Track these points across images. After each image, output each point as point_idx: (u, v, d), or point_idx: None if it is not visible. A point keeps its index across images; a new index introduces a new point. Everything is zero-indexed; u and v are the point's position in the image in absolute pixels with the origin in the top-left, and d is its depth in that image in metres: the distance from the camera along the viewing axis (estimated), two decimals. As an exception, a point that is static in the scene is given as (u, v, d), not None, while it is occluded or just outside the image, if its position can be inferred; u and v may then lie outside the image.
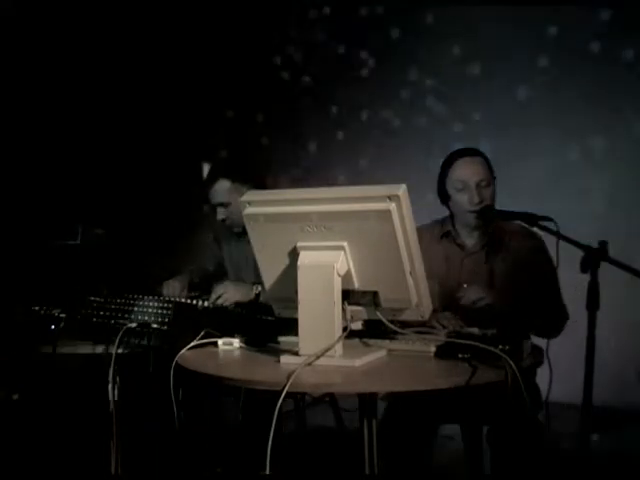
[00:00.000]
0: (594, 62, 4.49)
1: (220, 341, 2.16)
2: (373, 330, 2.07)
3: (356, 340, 2.05)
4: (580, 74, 4.51)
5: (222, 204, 2.89)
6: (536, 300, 2.42)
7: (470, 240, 2.59)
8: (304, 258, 1.86)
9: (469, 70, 4.87)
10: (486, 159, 2.56)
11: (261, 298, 2.67)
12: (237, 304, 2.61)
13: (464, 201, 2.49)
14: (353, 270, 1.86)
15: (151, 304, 2.43)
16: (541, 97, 4.64)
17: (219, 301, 2.60)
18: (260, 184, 2.94)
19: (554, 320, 2.46)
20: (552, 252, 2.19)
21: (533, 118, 4.62)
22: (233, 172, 2.92)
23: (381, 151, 5.18)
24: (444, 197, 2.57)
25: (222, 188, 2.89)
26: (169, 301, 2.47)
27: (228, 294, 2.64)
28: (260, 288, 2.66)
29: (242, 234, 2.94)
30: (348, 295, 1.88)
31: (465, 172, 2.50)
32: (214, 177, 2.91)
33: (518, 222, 2.49)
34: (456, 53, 4.91)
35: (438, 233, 2.62)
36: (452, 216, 2.61)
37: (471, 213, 2.49)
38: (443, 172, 2.56)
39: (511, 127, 4.68)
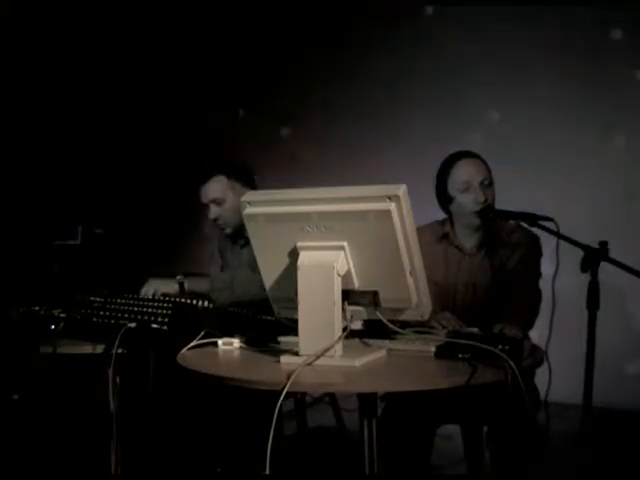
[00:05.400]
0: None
1: (220, 341, 2.16)
2: (373, 330, 2.07)
3: (356, 340, 2.05)
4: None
5: (215, 201, 2.86)
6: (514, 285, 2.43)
7: (468, 242, 2.59)
8: (304, 258, 1.86)
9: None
10: (483, 160, 2.56)
11: (187, 288, 2.69)
12: (167, 295, 2.63)
13: (469, 201, 2.49)
14: (353, 270, 1.86)
15: (151, 304, 2.43)
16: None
17: (149, 293, 2.65)
18: (253, 183, 2.93)
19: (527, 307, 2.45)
20: (551, 252, 2.19)
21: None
22: (230, 169, 2.91)
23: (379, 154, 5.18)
24: (445, 200, 2.57)
25: (217, 184, 2.86)
26: (169, 301, 2.46)
27: (156, 288, 2.67)
28: (183, 278, 2.68)
29: (236, 238, 2.94)
30: (348, 295, 1.88)
31: (468, 172, 2.51)
32: (210, 173, 2.89)
33: (514, 222, 2.50)
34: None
35: (437, 234, 2.62)
36: (451, 218, 2.62)
37: (474, 213, 2.49)
38: (443, 175, 2.55)
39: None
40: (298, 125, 5.59)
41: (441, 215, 2.66)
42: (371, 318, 1.94)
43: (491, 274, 2.53)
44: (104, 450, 2.44)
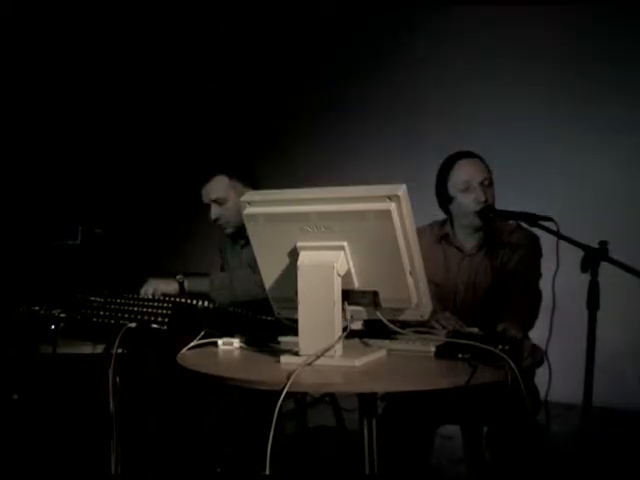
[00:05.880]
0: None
1: (220, 341, 2.16)
2: (373, 330, 2.07)
3: (356, 340, 2.05)
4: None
5: (217, 200, 2.86)
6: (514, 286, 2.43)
7: (468, 242, 2.59)
8: (304, 258, 1.86)
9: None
10: (483, 160, 2.56)
11: (186, 287, 2.71)
12: (167, 295, 2.64)
13: (469, 201, 2.49)
14: (353, 270, 1.86)
15: (151, 304, 2.43)
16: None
17: (149, 292, 2.67)
18: (255, 183, 2.94)
19: (527, 306, 2.44)
20: (551, 252, 2.19)
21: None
22: (231, 168, 2.91)
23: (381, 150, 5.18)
24: (445, 200, 2.56)
25: (219, 184, 2.86)
26: (169, 301, 2.46)
27: (155, 288, 2.68)
28: (183, 278, 2.69)
29: (236, 238, 2.94)
30: (348, 295, 1.88)
31: (468, 172, 2.51)
32: (212, 173, 2.89)
33: (514, 222, 2.50)
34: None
35: (437, 235, 2.62)
36: (451, 219, 2.61)
37: (474, 213, 2.49)
38: (443, 175, 2.55)
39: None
40: (298, 124, 5.59)
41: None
42: (371, 318, 1.94)
43: (491, 274, 2.53)
44: (104, 450, 2.44)
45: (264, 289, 2.02)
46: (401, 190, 1.77)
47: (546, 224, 2.21)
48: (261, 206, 1.94)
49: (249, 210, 1.94)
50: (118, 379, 2.42)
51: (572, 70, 4.55)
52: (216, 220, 2.89)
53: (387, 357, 1.95)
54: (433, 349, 1.92)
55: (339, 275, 1.83)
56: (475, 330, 2.14)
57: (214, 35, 5.79)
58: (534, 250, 2.52)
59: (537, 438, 2.19)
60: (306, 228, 1.86)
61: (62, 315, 2.58)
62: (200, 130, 5.83)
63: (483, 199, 2.47)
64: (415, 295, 1.86)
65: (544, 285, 2.43)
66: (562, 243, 2.11)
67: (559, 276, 2.12)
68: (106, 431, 2.42)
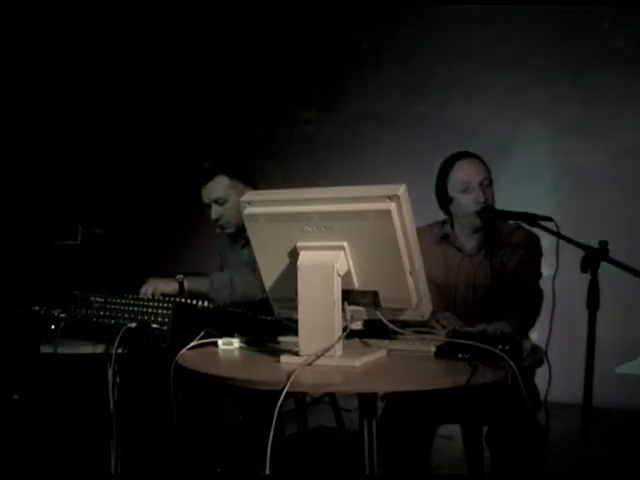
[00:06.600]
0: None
1: (220, 341, 2.16)
2: (373, 330, 2.07)
3: (356, 340, 2.05)
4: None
5: (217, 201, 2.87)
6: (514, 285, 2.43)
7: (468, 243, 2.59)
8: (304, 258, 1.86)
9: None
10: (482, 161, 2.56)
11: (186, 287, 2.71)
12: (167, 294, 2.64)
13: (469, 201, 2.49)
14: (353, 270, 1.86)
15: (151, 304, 2.43)
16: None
17: (149, 292, 2.66)
18: (255, 182, 2.94)
19: (528, 305, 2.44)
20: (551, 252, 2.19)
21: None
22: (231, 169, 2.91)
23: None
24: (445, 200, 2.56)
25: (220, 184, 2.87)
26: (169, 301, 2.46)
27: (155, 287, 2.68)
28: (183, 278, 2.69)
29: (236, 238, 2.94)
30: (348, 295, 1.88)
31: (467, 172, 2.51)
32: (212, 173, 2.90)
33: (514, 222, 2.50)
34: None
35: (437, 235, 2.62)
36: (451, 219, 2.61)
37: (474, 213, 2.48)
38: (443, 175, 2.55)
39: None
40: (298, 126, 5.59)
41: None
42: (371, 318, 1.94)
43: (491, 274, 2.53)
44: (104, 450, 2.44)
45: (264, 289, 2.02)
46: (401, 190, 1.77)
47: (546, 224, 2.21)
48: (261, 206, 1.94)
49: (249, 210, 1.94)
50: (118, 379, 2.42)
51: (572, 69, 4.55)
52: (217, 220, 2.90)
53: (387, 357, 1.95)
54: (433, 349, 1.92)
55: (339, 275, 1.83)
56: (475, 330, 2.14)
57: (211, 34, 5.78)
58: (534, 250, 2.52)
59: (537, 438, 2.19)
60: (306, 228, 1.86)
61: (62, 315, 2.58)
62: (200, 130, 5.83)
63: (483, 199, 2.47)
64: (415, 295, 1.86)
65: (544, 285, 2.43)
66: (562, 243, 2.11)
67: (559, 276, 2.12)
68: (106, 431, 2.42)
